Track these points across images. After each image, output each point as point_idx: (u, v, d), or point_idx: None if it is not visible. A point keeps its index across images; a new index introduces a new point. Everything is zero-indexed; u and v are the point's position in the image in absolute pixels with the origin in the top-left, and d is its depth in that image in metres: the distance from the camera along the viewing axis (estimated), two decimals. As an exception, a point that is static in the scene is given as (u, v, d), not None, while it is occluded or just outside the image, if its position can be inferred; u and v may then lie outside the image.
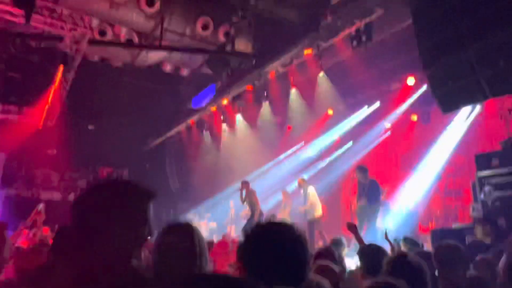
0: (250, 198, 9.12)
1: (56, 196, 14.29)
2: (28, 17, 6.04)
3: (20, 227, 4.20)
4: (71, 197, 14.60)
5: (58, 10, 6.65)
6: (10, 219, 10.17)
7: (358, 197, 8.15)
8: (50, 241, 5.09)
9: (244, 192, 9.22)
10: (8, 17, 6.52)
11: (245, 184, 9.29)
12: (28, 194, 13.81)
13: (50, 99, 9.64)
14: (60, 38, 7.29)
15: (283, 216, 9.27)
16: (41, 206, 4.36)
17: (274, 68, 8.61)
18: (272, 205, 10.86)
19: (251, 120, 11.63)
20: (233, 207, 11.86)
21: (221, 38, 8.41)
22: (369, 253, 2.73)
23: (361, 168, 8.34)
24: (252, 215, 9.00)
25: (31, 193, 13.89)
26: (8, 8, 6.22)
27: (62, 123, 11.62)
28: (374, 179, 8.27)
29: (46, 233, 5.10)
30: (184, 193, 14.35)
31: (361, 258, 2.78)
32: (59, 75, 8.39)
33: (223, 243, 5.76)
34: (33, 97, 10.89)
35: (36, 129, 11.70)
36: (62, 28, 6.81)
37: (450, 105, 4.97)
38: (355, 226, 4.32)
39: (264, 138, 11.64)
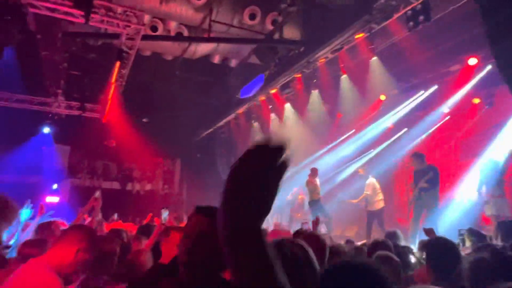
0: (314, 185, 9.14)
1: (115, 185, 15.20)
2: (87, 17, 6.37)
3: (79, 213, 4.47)
4: (129, 186, 15.46)
5: (113, 8, 6.94)
6: (75, 206, 10.97)
7: (414, 185, 7.73)
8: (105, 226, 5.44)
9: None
10: (69, 18, 6.91)
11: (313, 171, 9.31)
12: (90, 184, 14.80)
13: (110, 95, 10.14)
14: (116, 36, 7.62)
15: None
16: (98, 193, 4.60)
17: (323, 55, 8.37)
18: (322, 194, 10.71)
19: (300, 108, 11.48)
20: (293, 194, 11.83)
21: (269, 26, 8.34)
22: (437, 248, 2.53)
23: (417, 154, 7.93)
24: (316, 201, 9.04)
25: (93, 183, 14.86)
26: (68, 9, 6.58)
27: (120, 117, 12.22)
28: (432, 165, 7.84)
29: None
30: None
31: (428, 253, 2.60)
32: (116, 71, 8.79)
33: (276, 233, 5.76)
34: (93, 93, 11.57)
35: (96, 123, 12.45)
36: (117, 25, 7.10)
37: (521, 86, 4.55)
38: (433, 231, 4.23)
39: (313, 126, 11.45)
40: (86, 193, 12.41)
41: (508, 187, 8.23)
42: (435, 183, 7.41)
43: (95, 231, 2.62)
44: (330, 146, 12.00)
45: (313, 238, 2.44)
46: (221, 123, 13.49)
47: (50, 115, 12.19)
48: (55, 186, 13.27)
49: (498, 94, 8.81)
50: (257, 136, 13.35)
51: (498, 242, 4.48)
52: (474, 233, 4.47)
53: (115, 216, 8.69)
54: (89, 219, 4.53)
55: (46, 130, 12.94)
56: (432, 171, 7.51)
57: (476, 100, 9.64)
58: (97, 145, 13.69)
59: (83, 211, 4.41)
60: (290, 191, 11.45)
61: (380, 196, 8.59)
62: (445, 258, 2.35)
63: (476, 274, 1.90)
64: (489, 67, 8.31)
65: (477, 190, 7.24)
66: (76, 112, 12.25)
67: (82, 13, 6.38)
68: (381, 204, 8.58)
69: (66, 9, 6.64)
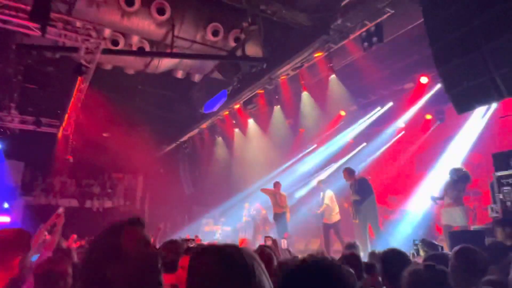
0: (283, 199, 9.25)
1: (73, 203, 14.57)
2: (43, 30, 6.19)
3: (39, 229, 4.27)
4: (88, 204, 14.86)
5: (72, 22, 6.79)
6: (29, 226, 10.40)
7: (350, 197, 8.12)
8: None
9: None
10: (24, 30, 6.68)
11: (278, 184, 9.42)
12: (46, 202, 14.10)
13: (68, 109, 9.81)
14: (75, 49, 7.43)
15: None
16: (61, 209, 4.42)
17: (285, 72, 8.61)
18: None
19: (263, 124, 11.65)
20: (246, 209, 11.91)
21: (232, 43, 8.46)
22: (390, 258, 2.65)
23: (345, 169, 8.34)
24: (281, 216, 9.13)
25: (49, 201, 14.18)
26: (24, 22, 6.37)
27: (78, 132, 11.83)
28: (362, 177, 8.27)
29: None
30: (198, 197, 14.45)
31: (382, 263, 2.72)
32: (77, 85, 8.54)
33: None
34: (50, 107, 11.13)
35: (53, 138, 11.96)
36: (76, 39, 6.94)
37: (465, 105, 4.89)
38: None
39: (276, 141, 11.64)
40: (41, 211, 11.82)
41: (468, 197, 8.73)
42: (365, 191, 7.75)
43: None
44: (293, 160, 12.22)
45: (260, 252, 2.55)
46: (185, 137, 13.39)
47: (2, 130, 11.58)
48: (6, 205, 12.52)
49: (448, 111, 9.39)
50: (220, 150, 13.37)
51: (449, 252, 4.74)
52: (427, 244, 4.69)
53: (75, 236, 8.33)
54: (49, 237, 4.32)
55: (-3, 145, 12.27)
56: (356, 182, 7.91)
57: (429, 116, 10.22)
58: (53, 161, 13.12)
59: (45, 228, 4.22)
60: (253, 206, 11.52)
61: (337, 209, 8.83)
62: (397, 267, 2.46)
63: (412, 284, 2.04)
64: (439, 85, 8.84)
65: (431, 199, 7.58)
66: (30, 127, 11.72)
67: (38, 26, 6.19)
68: (337, 217, 8.80)
69: (20, 21, 6.42)
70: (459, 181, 6.86)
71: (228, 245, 1.35)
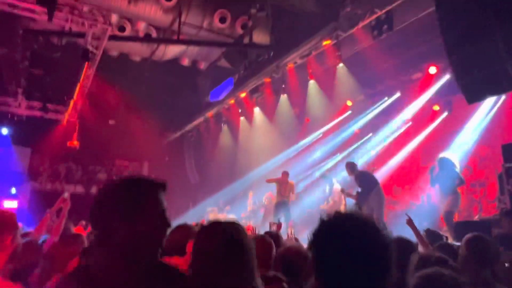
0: (290, 188, 9.27)
1: (79, 189, 14.69)
2: (50, 15, 6.16)
3: (46, 214, 4.30)
4: (93, 190, 14.97)
5: (79, 7, 6.75)
6: (36, 211, 10.51)
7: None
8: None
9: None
10: (31, 14, 6.66)
11: (285, 174, 9.41)
12: (52, 188, 14.23)
13: (75, 95, 9.82)
14: (82, 35, 7.40)
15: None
16: (66, 194, 4.43)
17: (292, 60, 8.53)
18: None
19: (269, 112, 11.60)
20: (251, 198, 11.95)
21: (239, 30, 8.38)
22: (397, 247, 2.63)
23: (347, 163, 8.27)
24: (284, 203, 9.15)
25: (55, 187, 14.31)
26: (31, 6, 6.34)
27: (85, 118, 11.86)
28: (362, 170, 8.22)
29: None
30: (203, 186, 14.50)
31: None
32: (84, 71, 8.53)
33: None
34: (56, 93, 11.14)
35: (59, 124, 12.00)
36: (83, 24, 6.91)
37: (476, 95, 4.83)
38: (411, 220, 4.43)
39: (282, 130, 11.60)
40: (47, 197, 11.92)
41: (474, 189, 8.70)
42: (366, 184, 7.69)
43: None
44: (298, 150, 12.19)
45: (260, 240, 2.62)
46: (190, 125, 13.39)
47: (9, 116, 11.62)
48: (13, 190, 12.65)
49: (456, 102, 9.28)
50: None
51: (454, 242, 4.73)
52: (431, 234, 4.67)
53: (83, 222, 8.39)
54: (56, 221, 4.35)
55: (4, 131, 12.32)
56: (358, 176, 7.86)
57: (436, 107, 10.11)
58: (60, 147, 13.18)
59: (51, 212, 4.25)
60: (263, 196, 11.53)
61: (344, 201, 8.80)
62: (404, 256, 2.46)
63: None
64: (447, 76, 8.74)
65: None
66: (37, 113, 11.75)
67: (45, 10, 6.16)
68: (343, 209, 8.81)
69: (28, 5, 6.40)
70: (449, 171, 6.77)
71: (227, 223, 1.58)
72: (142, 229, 1.29)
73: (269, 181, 9.80)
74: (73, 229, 5.08)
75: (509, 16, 4.18)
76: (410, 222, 4.46)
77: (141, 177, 1.43)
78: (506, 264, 2.78)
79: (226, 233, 1.54)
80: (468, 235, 2.69)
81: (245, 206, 12.05)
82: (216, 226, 1.60)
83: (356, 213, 1.22)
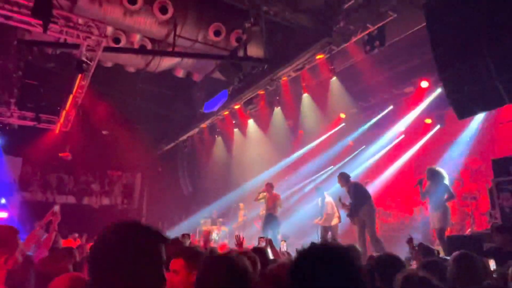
0: (274, 201, 9.15)
1: (71, 199, 14.54)
2: (45, 27, 6.17)
3: (35, 227, 4.25)
4: (85, 201, 14.83)
5: (74, 19, 6.76)
6: (26, 222, 10.36)
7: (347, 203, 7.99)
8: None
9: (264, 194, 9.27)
10: (26, 26, 6.66)
11: (269, 186, 9.33)
12: (43, 198, 14.07)
13: (67, 106, 9.78)
14: (76, 46, 7.41)
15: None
16: (57, 207, 4.38)
17: (286, 73, 8.61)
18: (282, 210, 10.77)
19: (263, 125, 11.65)
20: (243, 209, 11.90)
21: (233, 43, 8.45)
22: (386, 264, 2.65)
23: (340, 174, 8.21)
24: (273, 219, 9.04)
25: (46, 197, 14.14)
26: (26, 18, 6.35)
27: (77, 129, 11.80)
28: (356, 182, 8.16)
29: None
30: (196, 197, 14.43)
31: (376, 269, 2.71)
32: (77, 82, 8.52)
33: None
34: (49, 103, 11.10)
35: (51, 134, 11.92)
36: (77, 36, 6.93)
37: (466, 111, 4.90)
38: (411, 239, 4.58)
39: (276, 143, 11.64)
40: (38, 208, 11.78)
41: (465, 202, 8.74)
42: (361, 197, 7.64)
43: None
44: (292, 162, 12.21)
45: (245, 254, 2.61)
46: (184, 137, 13.37)
47: (1, 125, 11.53)
48: (3, 200, 12.48)
49: (448, 115, 9.40)
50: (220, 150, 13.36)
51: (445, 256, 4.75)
52: (423, 248, 4.68)
53: (76, 235, 8.28)
54: (45, 235, 4.29)
55: (-5, 141, 12.22)
56: (352, 188, 7.79)
57: (428, 120, 10.23)
58: (51, 157, 13.08)
59: (40, 225, 4.19)
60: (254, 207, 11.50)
61: (337, 213, 8.78)
62: (392, 272, 2.47)
63: None
64: (439, 90, 8.86)
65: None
66: (30, 123, 11.67)
67: (40, 22, 6.17)
68: (336, 221, 8.77)
69: (23, 17, 6.40)
70: (439, 184, 6.79)
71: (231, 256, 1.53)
72: (137, 284, 1.28)
73: (256, 199, 9.71)
74: (62, 242, 5.01)
75: (498, 34, 4.28)
76: (409, 241, 4.56)
77: (143, 227, 1.39)
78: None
79: (230, 270, 1.55)
80: (455, 253, 2.71)
81: (237, 218, 12.00)
82: (220, 261, 1.60)
83: (330, 245, 1.38)
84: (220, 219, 12.41)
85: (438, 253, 4.91)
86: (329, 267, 1.24)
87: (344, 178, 8.03)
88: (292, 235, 9.56)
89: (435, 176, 6.83)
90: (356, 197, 7.70)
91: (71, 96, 9.26)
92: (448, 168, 9.31)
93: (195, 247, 3.26)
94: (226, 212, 12.79)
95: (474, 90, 4.57)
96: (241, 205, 12.08)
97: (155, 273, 1.33)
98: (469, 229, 7.62)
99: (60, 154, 12.85)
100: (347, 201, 7.92)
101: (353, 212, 7.70)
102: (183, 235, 5.55)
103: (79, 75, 8.13)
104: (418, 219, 9.16)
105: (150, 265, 1.32)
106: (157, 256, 1.35)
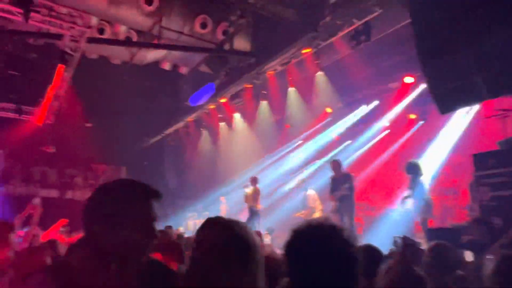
0: (253, 195, 9.17)
1: (54, 193, 14.30)
2: (26, 16, 6.03)
3: (13, 221, 4.18)
4: (69, 194, 14.61)
5: (56, 8, 6.62)
6: (7, 216, 10.17)
7: (332, 192, 7.87)
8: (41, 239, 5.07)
9: (247, 189, 9.28)
10: (6, 15, 6.50)
11: (253, 180, 9.33)
12: (25, 191, 13.80)
13: (48, 97, 9.59)
14: (59, 36, 7.26)
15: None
16: (37, 200, 4.31)
17: (272, 67, 8.62)
18: (267, 204, 10.79)
19: (249, 118, 11.65)
20: (225, 203, 11.92)
21: (220, 36, 8.40)
22: (365, 255, 2.71)
23: (335, 161, 8.16)
24: (254, 213, 9.06)
25: (28, 190, 13.88)
26: (6, 6, 6.19)
27: (61, 121, 11.58)
28: (348, 172, 8.16)
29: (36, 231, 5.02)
30: (182, 191, 14.38)
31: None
32: (58, 73, 8.36)
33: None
34: (32, 95, 10.85)
35: (34, 127, 11.68)
36: (61, 26, 6.79)
37: (447, 106, 5.00)
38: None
39: (262, 136, 11.66)
40: (20, 201, 11.55)
41: (447, 196, 8.93)
42: (352, 189, 7.72)
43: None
44: (278, 156, 12.27)
45: None
46: (170, 130, 13.28)
47: (-19, 117, 11.26)
48: (-16, 193, 12.23)
49: (431, 111, 9.54)
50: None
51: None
52: (407, 241, 4.77)
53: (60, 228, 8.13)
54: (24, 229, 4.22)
55: (-24, 132, 11.91)
56: (350, 179, 7.80)
57: (412, 116, 10.39)
58: (34, 150, 12.83)
59: (19, 219, 4.13)
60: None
61: (320, 207, 8.85)
62: (373, 263, 2.52)
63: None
64: (423, 85, 8.99)
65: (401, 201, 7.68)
66: (11, 115, 11.41)
67: (21, 11, 6.03)
68: (319, 214, 8.84)
69: (3, 5, 6.24)
70: (415, 175, 6.97)
71: (236, 221, 1.42)
72: (126, 237, 1.29)
73: (247, 200, 9.61)
74: (41, 236, 4.94)
75: (478, 30, 4.36)
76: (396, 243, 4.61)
77: (135, 182, 1.41)
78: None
79: (230, 229, 1.38)
80: (431, 243, 2.79)
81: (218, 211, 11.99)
82: (220, 222, 1.46)
83: (326, 222, 1.34)
84: (206, 212, 12.40)
85: (420, 245, 5.01)
86: (326, 246, 1.24)
87: (338, 164, 7.96)
88: (277, 228, 9.63)
89: (413, 168, 6.98)
90: (349, 188, 7.65)
91: (50, 87, 9.07)
92: (430, 162, 9.54)
93: (171, 240, 3.28)
94: (212, 206, 12.79)
95: (455, 86, 4.66)
96: (222, 198, 12.10)
97: (146, 228, 1.34)
98: (449, 224, 7.80)
99: (42, 148, 12.62)
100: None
101: (341, 203, 7.63)
102: (166, 227, 5.55)
103: (61, 66, 7.96)
104: (401, 211, 9.31)
105: (142, 220, 1.33)
106: (148, 211, 1.35)
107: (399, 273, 2.17)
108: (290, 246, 1.32)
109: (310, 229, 1.32)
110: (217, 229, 1.38)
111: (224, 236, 1.33)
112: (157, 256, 2.53)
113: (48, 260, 2.62)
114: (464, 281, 2.56)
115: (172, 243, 2.91)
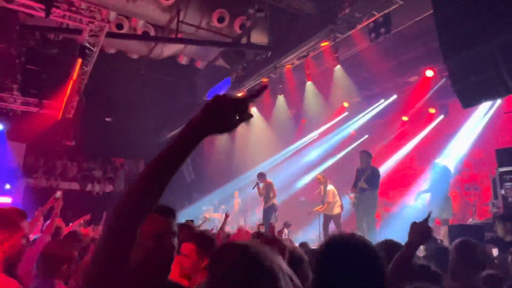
0: (267, 190, 9.16)
1: (74, 186, 14.62)
2: (48, 11, 6.13)
3: (36, 213, 4.27)
4: (89, 187, 14.92)
5: (76, 3, 6.71)
6: (29, 209, 10.45)
7: (356, 183, 7.53)
8: (65, 231, 5.18)
9: (261, 184, 9.26)
10: (29, 10, 6.62)
11: (261, 176, 9.31)
12: (47, 184, 14.14)
13: (68, 91, 9.77)
14: (79, 31, 7.37)
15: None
16: (59, 194, 4.38)
17: (289, 61, 8.54)
18: (284, 199, 10.76)
19: (266, 112, 11.62)
20: (237, 198, 11.96)
21: (237, 30, 8.37)
22: (386, 250, 2.65)
23: (366, 152, 7.77)
24: (270, 207, 9.06)
25: (50, 183, 14.22)
26: (28, 2, 6.31)
27: (80, 115, 11.80)
28: (373, 166, 7.74)
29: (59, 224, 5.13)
30: (199, 185, 14.48)
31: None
32: (77, 67, 8.49)
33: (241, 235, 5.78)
34: (52, 89, 11.07)
35: (55, 121, 11.94)
36: (80, 21, 6.88)
37: (470, 100, 4.87)
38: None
39: (278, 130, 11.62)
40: (42, 194, 11.86)
41: (468, 192, 8.75)
42: (374, 183, 7.31)
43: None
44: (294, 150, 12.22)
45: (275, 242, 2.53)
46: (187, 124, 13.35)
47: (4, 111, 11.55)
48: (7, 186, 12.58)
49: (452, 105, 9.34)
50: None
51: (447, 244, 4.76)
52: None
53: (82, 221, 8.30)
54: (47, 222, 4.31)
55: (-1, 126, 12.25)
56: (371, 170, 7.41)
57: (432, 110, 10.18)
58: (55, 144, 13.12)
59: (42, 211, 4.22)
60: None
61: (339, 202, 8.74)
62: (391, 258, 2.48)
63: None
64: (444, 79, 8.79)
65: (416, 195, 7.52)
66: (33, 109, 11.68)
67: (43, 6, 6.12)
68: (338, 210, 8.71)
69: (25, 1, 6.36)
70: (443, 175, 6.81)
71: (251, 244, 1.34)
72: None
73: (261, 194, 9.39)
74: (64, 228, 5.05)
75: (504, 22, 4.21)
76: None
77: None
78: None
79: (247, 254, 1.29)
80: (456, 240, 2.72)
81: (233, 205, 12.05)
82: (237, 245, 1.38)
83: (355, 237, 1.47)
84: (223, 206, 12.49)
85: (441, 241, 4.93)
86: (357, 260, 1.35)
87: (369, 156, 7.60)
88: (292, 222, 9.60)
89: (439, 168, 6.86)
90: (370, 182, 7.31)
91: (71, 82, 9.23)
92: (451, 158, 9.34)
93: (207, 232, 3.27)
94: (228, 200, 12.86)
95: (479, 79, 4.53)
96: (236, 193, 12.12)
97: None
98: (470, 219, 7.64)
99: (64, 142, 12.90)
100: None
101: (360, 197, 7.38)
102: (187, 221, 5.59)
103: (80, 61, 8.08)
104: (419, 208, 9.17)
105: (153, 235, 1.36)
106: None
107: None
108: (322, 257, 1.44)
109: (344, 243, 1.44)
110: (234, 253, 1.31)
111: (241, 260, 1.26)
112: (190, 246, 2.54)
113: (75, 254, 2.67)
114: (494, 279, 2.49)
115: (204, 235, 2.89)
